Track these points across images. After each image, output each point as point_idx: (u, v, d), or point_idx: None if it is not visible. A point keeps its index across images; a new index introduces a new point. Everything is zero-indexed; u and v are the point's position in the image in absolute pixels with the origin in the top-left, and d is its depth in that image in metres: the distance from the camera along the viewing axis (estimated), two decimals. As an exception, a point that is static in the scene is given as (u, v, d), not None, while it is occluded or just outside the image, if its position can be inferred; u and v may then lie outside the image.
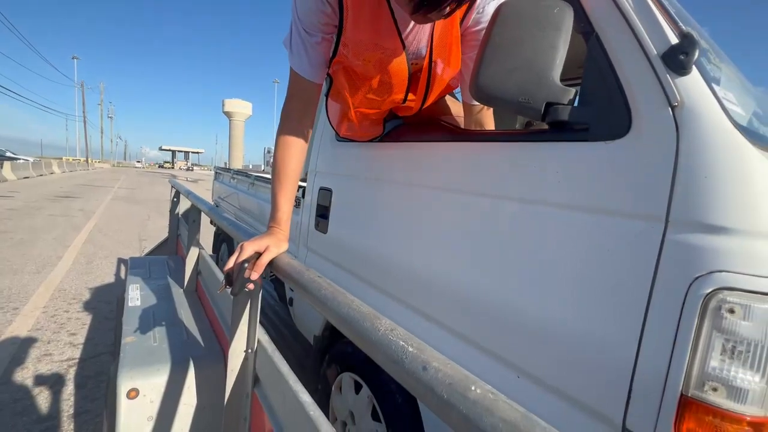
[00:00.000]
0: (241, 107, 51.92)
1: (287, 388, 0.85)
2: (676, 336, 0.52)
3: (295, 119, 0.94)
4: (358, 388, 1.25)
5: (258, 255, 0.83)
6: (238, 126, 52.72)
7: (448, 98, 1.25)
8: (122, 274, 4.52)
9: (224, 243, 3.17)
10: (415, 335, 0.98)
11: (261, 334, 1.00)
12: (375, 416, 1.17)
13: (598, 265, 0.61)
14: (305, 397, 0.80)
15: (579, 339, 0.63)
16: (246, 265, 0.78)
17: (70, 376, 2.41)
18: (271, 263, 0.85)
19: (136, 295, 1.75)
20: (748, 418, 0.48)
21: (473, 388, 0.33)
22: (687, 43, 0.55)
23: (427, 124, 1.07)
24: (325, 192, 1.47)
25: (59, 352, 2.69)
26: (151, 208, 10.81)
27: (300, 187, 1.79)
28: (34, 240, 5.82)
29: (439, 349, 0.90)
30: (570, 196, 0.66)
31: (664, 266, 0.53)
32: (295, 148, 0.91)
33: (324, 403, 1.41)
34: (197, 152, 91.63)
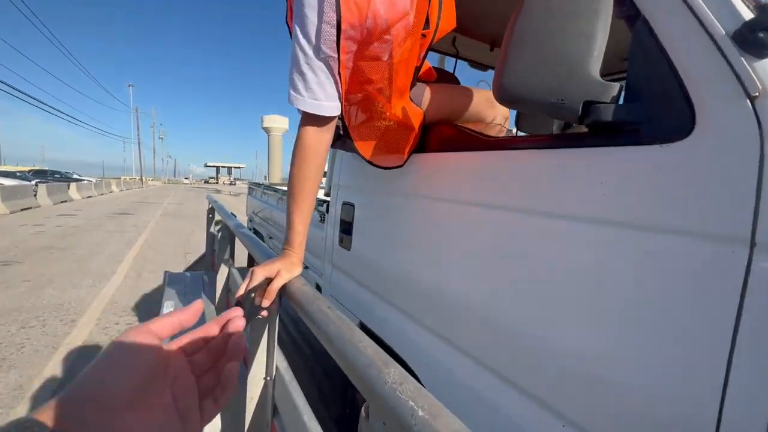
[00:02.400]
0: (278, 122, 54.03)
1: (302, 423, 0.79)
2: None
3: (313, 146, 0.84)
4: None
5: (269, 281, 0.78)
6: (276, 140, 54.89)
7: (476, 93, 1.13)
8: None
9: (258, 257, 3.22)
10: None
11: (280, 361, 0.95)
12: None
13: (660, 300, 0.49)
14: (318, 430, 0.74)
15: (638, 390, 0.51)
16: (253, 295, 0.73)
17: (117, 388, 2.51)
18: (283, 288, 0.79)
19: (170, 311, 1.77)
20: None
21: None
22: (767, 16, 0.44)
23: (451, 134, 0.99)
24: (348, 207, 1.42)
25: (108, 364, 2.82)
26: (195, 223, 11.39)
27: (325, 201, 1.75)
28: (92, 255, 6.27)
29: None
30: (618, 212, 0.55)
31: (752, 301, 0.41)
32: (313, 165, 0.84)
33: (353, 429, 1.33)
34: (239, 167, 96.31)
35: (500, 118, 1.12)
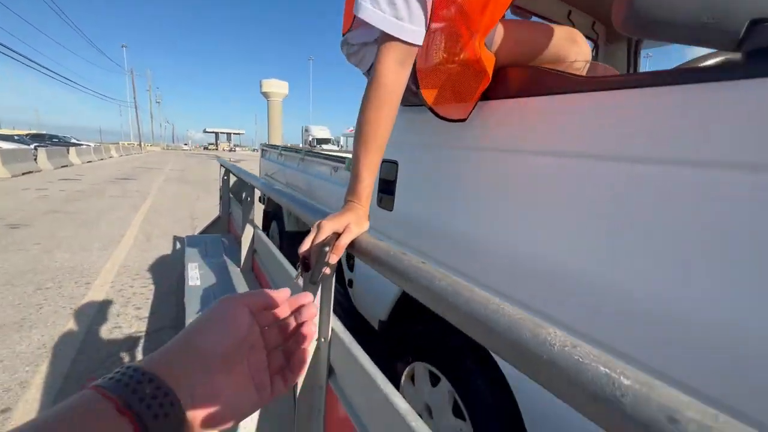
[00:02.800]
0: (277, 87, 52.64)
1: (368, 380, 0.74)
2: None
3: (390, 84, 0.72)
4: (434, 379, 1.14)
5: (337, 236, 0.70)
6: (276, 106, 53.70)
7: (554, 29, 1.00)
8: (178, 251, 4.72)
9: (274, 221, 3.16)
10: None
11: (335, 323, 0.89)
12: (457, 412, 1.05)
13: None
14: (389, 389, 0.69)
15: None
16: (327, 248, 0.66)
17: (139, 348, 2.52)
18: (351, 245, 0.72)
19: (195, 275, 1.73)
20: None
21: None
22: None
23: (530, 76, 0.87)
24: (390, 164, 1.32)
25: (128, 324, 2.83)
26: (200, 188, 11.28)
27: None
28: (99, 219, 6.23)
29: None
30: None
31: None
32: (387, 107, 0.72)
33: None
34: (238, 133, 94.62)
35: (582, 59, 0.99)
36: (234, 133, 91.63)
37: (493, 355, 0.89)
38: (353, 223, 0.70)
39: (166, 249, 4.85)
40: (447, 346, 1.04)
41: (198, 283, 1.62)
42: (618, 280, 0.64)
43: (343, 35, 1.07)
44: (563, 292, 0.73)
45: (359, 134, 0.74)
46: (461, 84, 0.87)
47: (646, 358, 0.60)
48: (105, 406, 0.24)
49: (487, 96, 0.94)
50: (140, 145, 52.68)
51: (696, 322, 0.54)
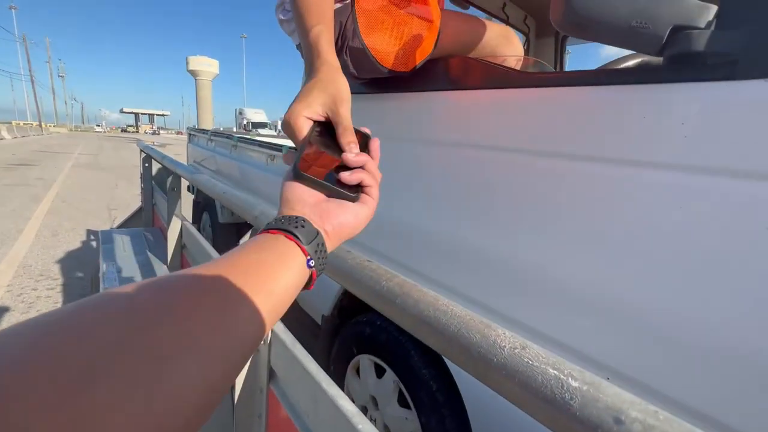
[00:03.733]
0: (206, 65, 48.76)
1: (311, 381, 0.71)
2: None
3: None
4: (379, 371, 1.13)
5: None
6: (205, 86, 49.80)
7: (492, 26, 1.02)
8: (93, 247, 4.21)
9: (205, 212, 2.92)
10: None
11: (276, 324, 0.84)
12: (402, 402, 1.06)
13: (756, 255, 0.47)
14: (334, 391, 0.67)
15: (725, 352, 0.50)
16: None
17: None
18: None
19: (113, 274, 1.54)
20: None
21: None
22: None
23: (467, 66, 0.87)
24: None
25: (30, 334, 2.47)
26: (118, 175, 10.12)
27: (291, 148, 1.57)
28: (-11, 212, 5.33)
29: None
30: (705, 157, 0.51)
31: None
32: None
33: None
34: (163, 114, 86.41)
35: (514, 58, 1.02)
36: (157, 114, 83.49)
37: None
38: (344, 90, 0.44)
39: (78, 245, 4.30)
40: (391, 338, 1.04)
41: (116, 283, 1.44)
42: (535, 261, 0.68)
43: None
44: (487, 273, 0.77)
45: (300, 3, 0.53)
46: (408, 31, 0.85)
47: (585, 343, 0.64)
48: (276, 235, 0.33)
49: (425, 88, 0.93)
50: (40, 125, 45.75)
51: (614, 300, 0.59)
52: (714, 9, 0.49)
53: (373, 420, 1.13)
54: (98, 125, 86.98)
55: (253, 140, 2.26)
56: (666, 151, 0.53)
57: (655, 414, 0.25)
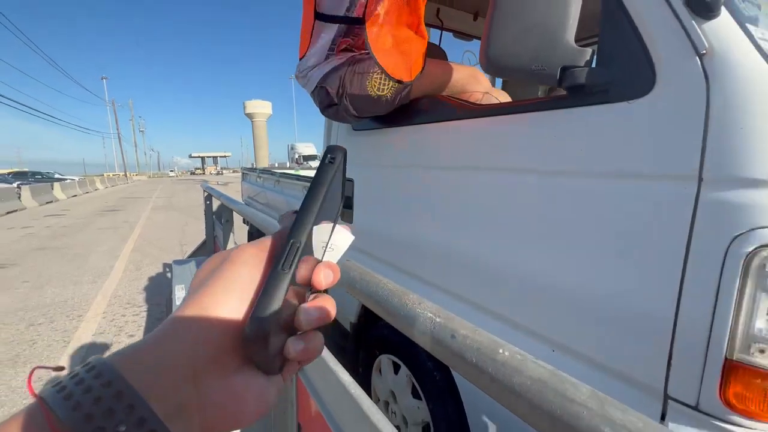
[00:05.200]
0: (261, 107, 52.85)
1: (328, 370, 0.88)
2: (716, 299, 0.49)
3: None
4: (396, 368, 1.28)
5: None
6: (261, 126, 53.81)
7: (461, 68, 1.21)
8: (168, 278, 4.79)
9: (258, 241, 3.28)
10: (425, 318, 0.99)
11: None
12: (415, 394, 1.20)
13: (630, 233, 0.59)
14: (345, 377, 0.83)
15: (615, 309, 0.61)
16: None
17: (133, 374, 2.61)
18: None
19: (182, 295, 1.85)
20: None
21: (501, 351, 0.34)
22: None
23: (437, 103, 1.06)
24: (349, 182, 1.49)
25: (121, 353, 2.91)
26: (187, 214, 11.32)
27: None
28: (88, 253, 6.26)
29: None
30: (595, 164, 0.64)
31: (700, 227, 0.51)
32: None
33: (366, 385, 1.46)
34: (225, 156, 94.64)
35: (480, 93, 1.19)
36: (220, 156, 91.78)
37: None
38: None
39: (157, 276, 4.92)
40: (402, 338, 1.20)
41: (184, 303, 1.75)
42: (501, 255, 0.82)
43: (300, 59, 1.27)
44: (464, 269, 0.91)
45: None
46: (407, 45, 1.08)
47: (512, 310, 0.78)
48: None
49: (411, 122, 1.11)
50: (125, 175, 52.30)
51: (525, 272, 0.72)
52: (589, 52, 0.63)
53: (393, 413, 1.27)
54: (171, 171, 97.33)
55: (290, 175, 2.57)
56: (566, 159, 0.67)
57: (475, 330, 0.40)
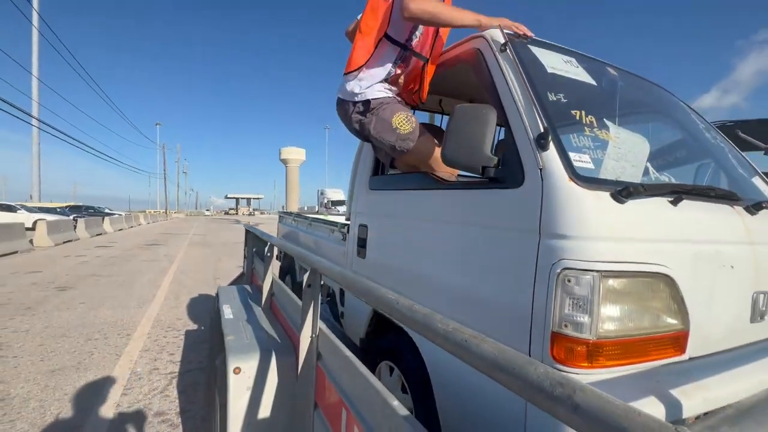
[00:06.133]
0: (296, 154, 55.71)
1: (345, 361, 1.29)
2: (547, 297, 0.91)
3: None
4: (391, 371, 1.67)
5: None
6: (294, 171, 56.37)
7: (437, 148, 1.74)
8: (202, 309, 5.30)
9: (288, 274, 3.78)
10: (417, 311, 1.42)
11: (321, 324, 1.48)
12: (404, 390, 1.58)
13: (509, 258, 1.03)
14: (357, 363, 1.24)
15: (499, 302, 1.04)
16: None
17: (174, 385, 3.03)
18: (321, 276, 1.34)
19: (228, 311, 2.33)
20: (585, 341, 0.86)
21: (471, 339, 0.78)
22: (545, 132, 0.99)
23: (421, 176, 1.57)
24: (363, 227, 1.98)
25: (164, 367, 3.36)
26: (220, 251, 12.13)
27: (345, 224, 2.31)
28: (133, 282, 6.95)
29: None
30: (496, 219, 1.10)
31: (540, 257, 0.94)
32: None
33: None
34: (257, 198, 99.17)
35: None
36: (253, 198, 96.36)
37: (418, 347, 1.46)
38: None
39: (192, 306, 5.45)
40: (394, 345, 1.59)
41: (231, 316, 2.22)
42: (448, 274, 1.27)
43: (354, 69, 1.72)
44: (432, 288, 1.35)
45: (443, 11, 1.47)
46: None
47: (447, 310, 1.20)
48: None
49: (403, 188, 1.62)
50: (166, 212, 55.66)
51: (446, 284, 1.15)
52: (496, 159, 1.10)
53: (386, 406, 1.64)
54: (207, 210, 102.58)
55: (321, 219, 3.10)
56: (482, 215, 1.14)
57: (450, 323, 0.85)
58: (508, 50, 1.23)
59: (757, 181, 1.59)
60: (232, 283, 4.05)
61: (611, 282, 0.88)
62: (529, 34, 1.37)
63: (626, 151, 1.17)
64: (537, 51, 1.34)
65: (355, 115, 1.73)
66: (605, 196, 0.93)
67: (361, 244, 1.98)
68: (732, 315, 1.10)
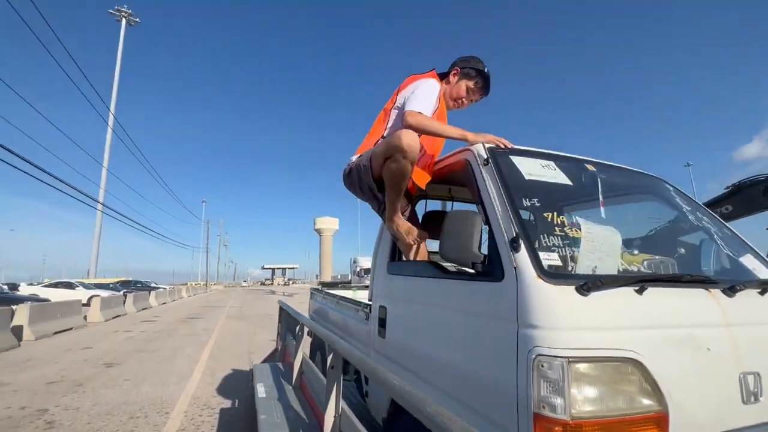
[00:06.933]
0: (329, 224, 57.66)
1: None
2: (527, 380, 1.06)
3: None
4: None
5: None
6: (327, 240, 57.85)
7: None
8: (237, 385, 5.41)
9: (318, 351, 3.91)
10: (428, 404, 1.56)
11: (343, 404, 1.63)
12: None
13: (498, 344, 1.19)
14: None
15: (497, 386, 1.17)
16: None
17: (207, 465, 3.10)
18: (347, 362, 1.53)
19: (262, 390, 2.50)
20: (563, 422, 0.98)
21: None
22: (517, 236, 1.21)
23: (429, 265, 1.79)
24: (383, 308, 2.17)
25: (198, 447, 3.45)
26: (256, 324, 12.38)
27: (368, 305, 2.52)
28: (174, 357, 7.23)
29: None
30: (483, 309, 1.28)
31: (519, 344, 1.10)
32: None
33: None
34: (292, 268, 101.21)
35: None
36: (288, 268, 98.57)
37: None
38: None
39: (227, 382, 5.57)
40: (411, 427, 1.70)
41: (264, 395, 2.38)
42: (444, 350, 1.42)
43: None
44: (441, 370, 1.50)
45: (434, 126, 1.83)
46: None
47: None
48: None
49: (411, 275, 1.85)
50: (206, 285, 57.76)
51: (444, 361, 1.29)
52: (481, 256, 1.32)
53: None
54: (244, 281, 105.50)
55: (347, 299, 3.31)
56: (471, 304, 1.33)
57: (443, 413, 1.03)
58: (490, 164, 1.52)
59: (747, 259, 1.68)
60: (265, 360, 4.21)
61: (579, 366, 1.01)
62: (510, 146, 1.67)
63: (599, 244, 1.36)
64: (517, 160, 1.62)
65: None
66: (570, 290, 1.11)
67: (382, 324, 2.16)
68: (719, 397, 1.17)
